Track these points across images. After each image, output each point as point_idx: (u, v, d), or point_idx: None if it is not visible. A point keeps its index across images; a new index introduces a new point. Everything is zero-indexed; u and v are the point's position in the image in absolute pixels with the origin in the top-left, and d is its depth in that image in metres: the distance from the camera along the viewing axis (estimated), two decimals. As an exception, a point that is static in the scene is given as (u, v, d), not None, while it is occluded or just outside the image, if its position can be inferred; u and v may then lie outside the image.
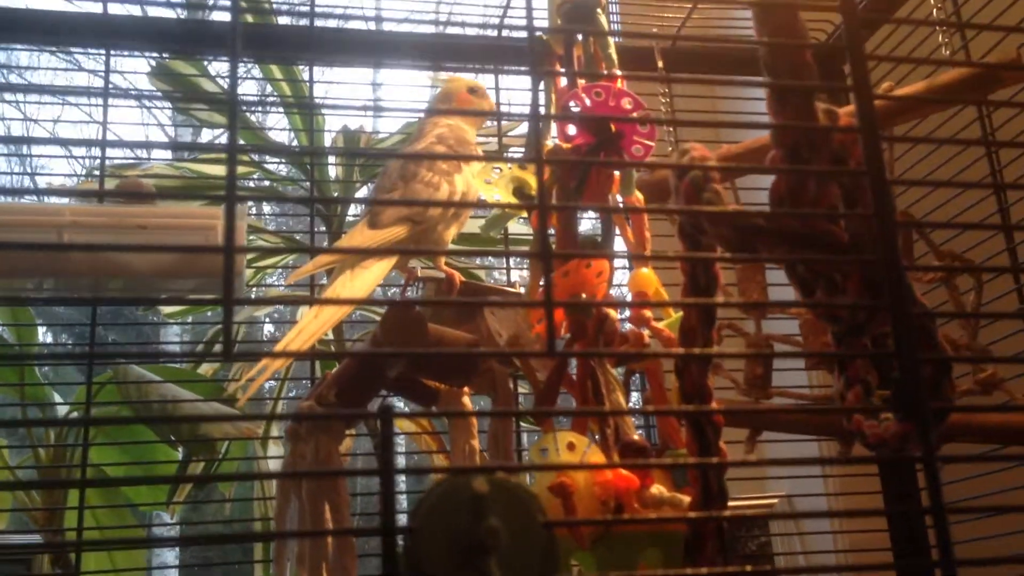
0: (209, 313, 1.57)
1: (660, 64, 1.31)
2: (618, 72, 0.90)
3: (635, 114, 0.85)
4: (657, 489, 0.72)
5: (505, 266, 1.27)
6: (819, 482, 1.38)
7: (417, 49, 1.24)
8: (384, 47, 1.21)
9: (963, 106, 1.15)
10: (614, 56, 0.91)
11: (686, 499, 0.73)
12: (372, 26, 1.30)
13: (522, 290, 1.00)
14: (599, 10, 0.92)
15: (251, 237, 1.35)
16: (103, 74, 1.17)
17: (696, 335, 0.72)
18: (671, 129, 1.34)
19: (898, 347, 0.49)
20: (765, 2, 0.65)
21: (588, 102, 0.84)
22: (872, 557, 1.19)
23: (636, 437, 0.76)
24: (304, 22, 1.35)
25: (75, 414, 1.33)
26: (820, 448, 1.38)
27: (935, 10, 1.22)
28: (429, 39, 1.29)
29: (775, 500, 1.44)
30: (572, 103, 0.84)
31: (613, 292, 0.90)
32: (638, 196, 0.90)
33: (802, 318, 1.09)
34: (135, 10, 1.25)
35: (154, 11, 1.17)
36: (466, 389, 0.94)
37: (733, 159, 1.07)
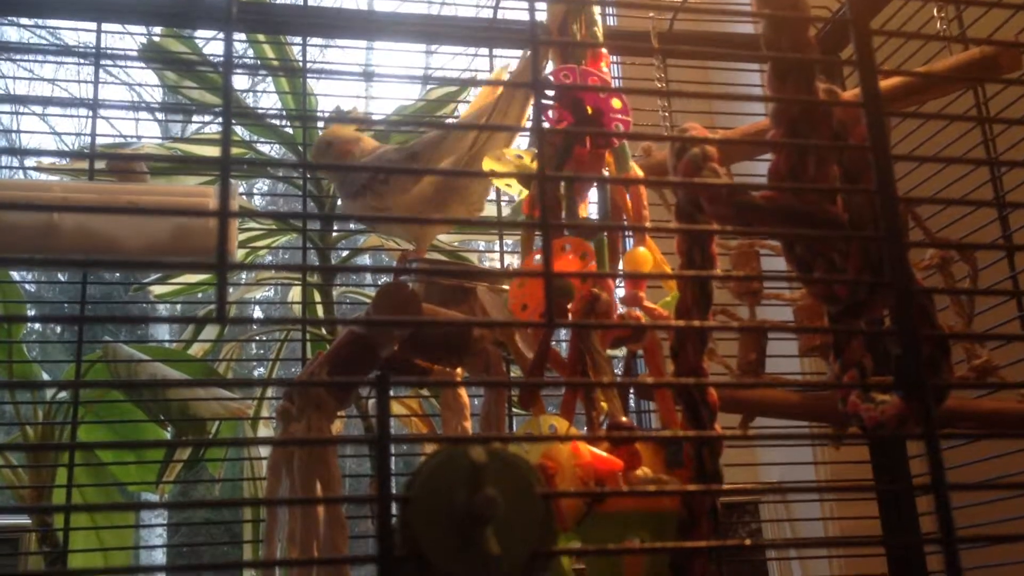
0: (200, 295, 1.57)
1: (655, 44, 1.31)
2: (604, 51, 0.90)
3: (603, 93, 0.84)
4: (642, 471, 0.72)
5: (499, 250, 1.26)
6: (810, 469, 1.38)
7: (414, 29, 1.23)
8: (379, 27, 1.20)
9: (961, 92, 1.15)
10: (599, 34, 0.91)
11: (673, 480, 0.72)
12: (365, 5, 1.30)
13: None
14: None
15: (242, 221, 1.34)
16: (93, 50, 1.16)
17: (691, 317, 0.72)
18: (666, 111, 1.34)
19: (899, 324, 0.49)
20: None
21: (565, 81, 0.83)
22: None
23: (624, 419, 0.76)
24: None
25: (64, 395, 1.32)
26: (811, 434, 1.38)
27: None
28: (426, 20, 1.28)
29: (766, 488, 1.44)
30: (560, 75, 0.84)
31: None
32: (636, 171, 0.89)
33: (797, 305, 1.08)
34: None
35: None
36: (459, 370, 0.93)
37: (732, 144, 1.07)
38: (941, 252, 1.03)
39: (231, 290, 1.71)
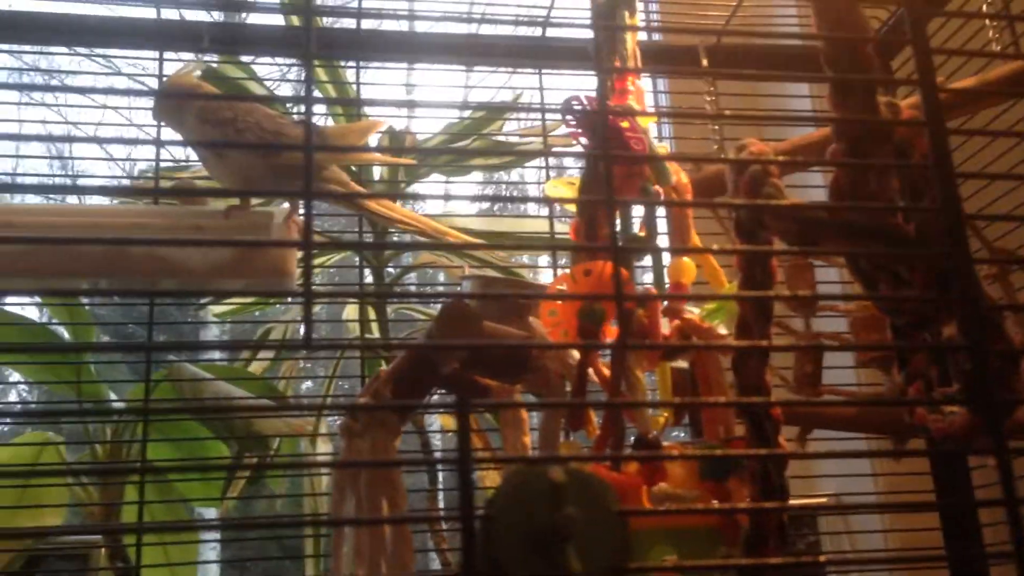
0: (257, 313, 1.60)
1: (704, 61, 1.31)
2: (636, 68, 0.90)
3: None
4: (662, 487, 0.72)
5: (552, 266, 1.27)
6: (868, 481, 1.37)
7: (470, 49, 1.25)
8: (435, 48, 1.22)
9: (1015, 101, 1.14)
10: (631, 51, 0.91)
11: (693, 494, 0.72)
12: (417, 26, 1.32)
13: None
14: (624, 9, 0.91)
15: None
16: (152, 77, 1.19)
17: (752, 331, 0.72)
18: (717, 126, 1.34)
19: (968, 339, 0.49)
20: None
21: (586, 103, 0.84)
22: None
23: (651, 434, 0.76)
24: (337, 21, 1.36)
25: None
26: (869, 447, 1.37)
27: (985, 5, 1.21)
28: (482, 39, 1.30)
29: (824, 499, 1.43)
30: (574, 103, 0.84)
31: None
32: (682, 177, 0.90)
33: (852, 315, 1.08)
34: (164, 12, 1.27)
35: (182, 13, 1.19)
36: (517, 387, 0.94)
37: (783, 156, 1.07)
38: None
39: (285, 309, 1.74)
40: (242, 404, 1.18)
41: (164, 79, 1.07)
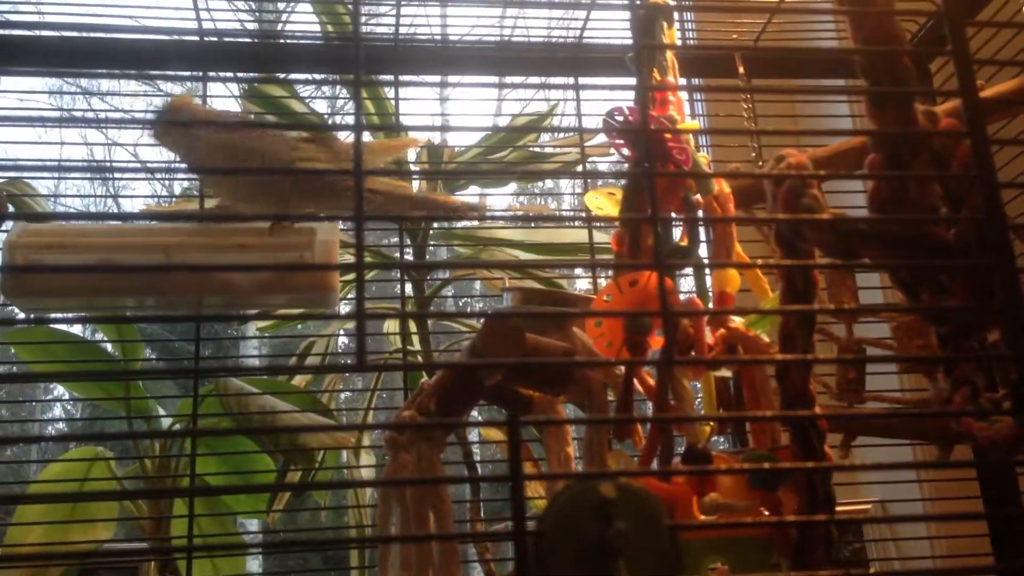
0: (299, 327, 1.62)
1: (741, 70, 1.31)
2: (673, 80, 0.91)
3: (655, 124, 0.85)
4: (712, 497, 0.72)
5: (591, 276, 1.28)
6: (914, 487, 1.36)
7: (506, 60, 1.26)
8: (472, 60, 1.24)
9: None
10: (669, 65, 0.92)
11: (744, 504, 0.72)
12: (453, 41, 1.33)
13: None
14: (662, 21, 0.92)
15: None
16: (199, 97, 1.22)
17: (796, 340, 0.72)
18: (754, 132, 1.34)
19: (1013, 349, 0.49)
20: (855, 10, 0.66)
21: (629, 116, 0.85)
22: (971, 563, 1.17)
23: (700, 444, 0.76)
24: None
25: (178, 426, 1.38)
26: (914, 452, 1.36)
27: (1024, 9, 1.20)
28: (518, 50, 1.31)
29: (868, 506, 1.42)
30: (616, 115, 0.85)
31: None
32: (724, 187, 0.90)
33: (895, 321, 1.07)
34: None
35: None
36: (560, 397, 0.95)
37: (820, 163, 1.07)
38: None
39: (326, 323, 1.76)
40: (290, 421, 1.19)
41: (166, 102, 1.07)
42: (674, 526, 0.43)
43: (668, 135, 0.85)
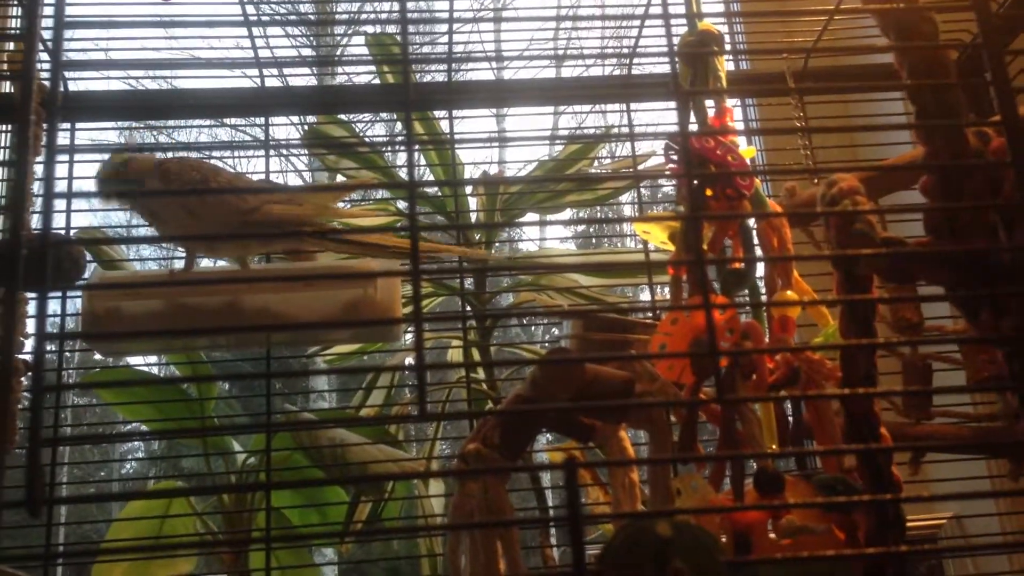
0: (365, 357, 1.65)
1: (791, 84, 1.31)
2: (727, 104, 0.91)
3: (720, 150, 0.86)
4: (788, 519, 0.72)
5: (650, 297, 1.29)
6: (989, 502, 1.33)
7: (558, 92, 1.28)
8: (524, 93, 1.26)
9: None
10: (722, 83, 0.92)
11: (821, 528, 0.72)
12: (503, 72, 1.36)
13: None
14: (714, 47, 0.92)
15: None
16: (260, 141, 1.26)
17: (857, 362, 0.72)
18: (807, 148, 1.33)
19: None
20: (901, 45, 0.66)
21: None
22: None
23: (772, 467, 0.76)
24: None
25: (251, 460, 1.43)
26: (988, 466, 1.33)
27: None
28: (569, 81, 1.34)
29: (943, 521, 1.39)
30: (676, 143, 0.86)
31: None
32: (775, 206, 0.90)
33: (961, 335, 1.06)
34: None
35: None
36: (622, 424, 0.96)
37: (878, 179, 1.06)
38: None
39: (392, 354, 1.79)
40: (360, 452, 1.22)
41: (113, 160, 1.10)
42: (732, 563, 0.44)
43: (730, 157, 0.85)
